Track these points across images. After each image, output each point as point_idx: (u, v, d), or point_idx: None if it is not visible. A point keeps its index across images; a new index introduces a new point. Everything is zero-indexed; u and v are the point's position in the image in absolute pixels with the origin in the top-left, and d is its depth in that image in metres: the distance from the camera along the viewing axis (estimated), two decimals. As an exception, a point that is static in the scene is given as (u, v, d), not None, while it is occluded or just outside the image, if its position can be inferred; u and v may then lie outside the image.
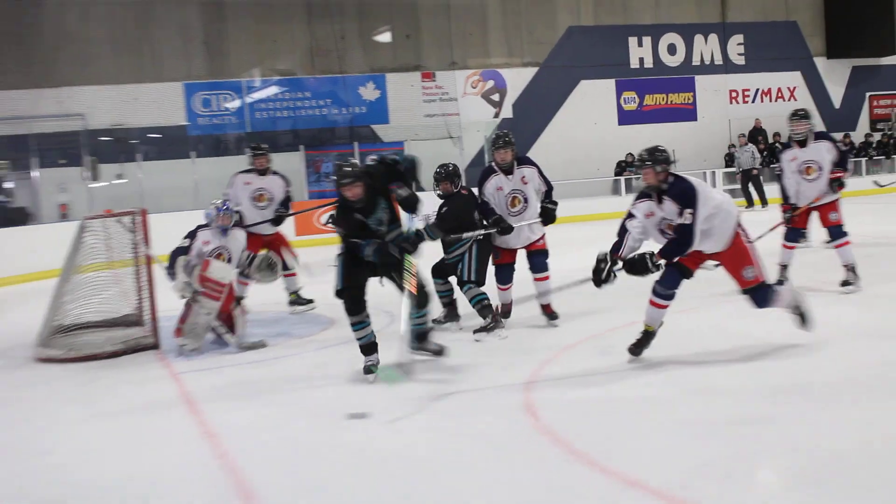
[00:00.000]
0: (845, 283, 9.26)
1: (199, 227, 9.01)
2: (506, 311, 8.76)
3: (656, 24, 26.82)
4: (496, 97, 25.42)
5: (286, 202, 10.60)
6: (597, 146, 25.41)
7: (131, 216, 9.25)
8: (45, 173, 20.83)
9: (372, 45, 24.35)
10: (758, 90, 27.80)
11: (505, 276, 8.81)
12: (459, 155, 23.43)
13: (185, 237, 8.91)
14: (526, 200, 8.62)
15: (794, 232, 9.71)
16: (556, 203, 8.69)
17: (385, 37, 24.39)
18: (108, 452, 5.58)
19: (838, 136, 26.09)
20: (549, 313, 8.64)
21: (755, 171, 23.00)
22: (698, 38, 27.20)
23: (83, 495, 4.79)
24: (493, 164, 8.80)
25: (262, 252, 9.43)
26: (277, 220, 10.50)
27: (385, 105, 24.36)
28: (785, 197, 9.67)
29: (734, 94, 27.66)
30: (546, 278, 8.69)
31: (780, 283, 9.18)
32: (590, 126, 25.81)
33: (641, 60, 26.79)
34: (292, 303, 10.83)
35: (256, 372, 7.69)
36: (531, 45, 25.65)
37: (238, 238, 9.20)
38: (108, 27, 22.37)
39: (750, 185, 22.89)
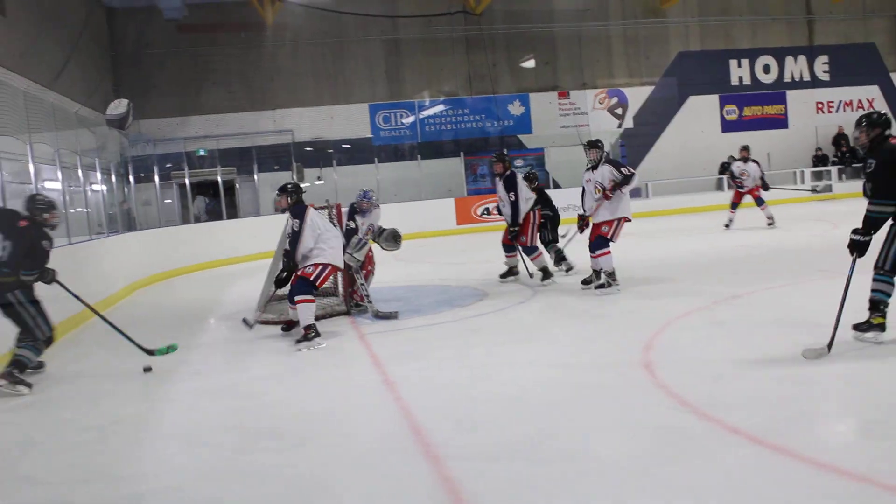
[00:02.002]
0: (599, 286, 8.80)
1: (352, 209, 9.00)
2: None
3: (753, 48, 25.50)
4: (619, 111, 24.71)
5: (513, 205, 9.86)
6: (703, 150, 24.47)
7: (329, 209, 9.30)
8: (263, 177, 21.16)
9: (518, 71, 24.07)
10: (840, 102, 25.99)
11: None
12: (589, 159, 22.93)
13: (348, 219, 8.98)
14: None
15: (602, 240, 8.84)
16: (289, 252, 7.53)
17: (529, 63, 24.09)
18: (312, 393, 5.71)
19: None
20: None
21: None
22: (789, 59, 25.72)
23: (292, 426, 4.87)
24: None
25: (392, 228, 9.27)
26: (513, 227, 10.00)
27: (529, 119, 24.03)
28: (583, 210, 9.06)
29: (820, 106, 25.96)
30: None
31: (587, 282, 9.03)
32: (697, 134, 24.89)
33: (740, 79, 25.50)
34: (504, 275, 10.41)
35: (425, 333, 7.59)
36: (648, 68, 24.87)
37: (377, 215, 9.14)
38: (311, 62, 22.91)
39: None
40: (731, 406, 4.43)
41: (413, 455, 4.09)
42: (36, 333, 6.32)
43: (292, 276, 7.50)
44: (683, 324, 6.85)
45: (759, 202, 15.02)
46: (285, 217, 7.61)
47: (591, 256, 8.88)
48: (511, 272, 10.31)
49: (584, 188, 9.03)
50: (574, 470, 3.75)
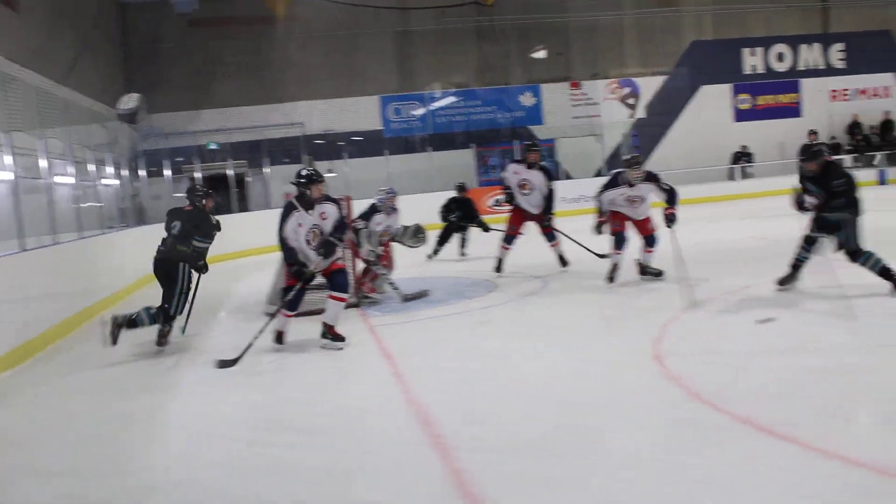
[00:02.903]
0: (658, 273, 8.90)
1: (373, 208, 9.01)
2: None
3: (767, 37, 25.27)
4: (632, 101, 24.68)
5: (549, 197, 9.99)
6: (715, 140, 24.22)
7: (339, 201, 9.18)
8: (274, 170, 21.16)
9: (530, 62, 24.15)
10: (855, 90, 25.64)
11: None
12: (601, 150, 23.00)
13: (360, 217, 8.95)
14: (322, 233, 6.88)
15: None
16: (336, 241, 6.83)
17: (541, 54, 24.16)
18: (323, 386, 5.74)
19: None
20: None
21: None
22: (803, 47, 25.39)
23: (303, 418, 4.95)
24: (293, 200, 6.99)
25: (414, 224, 9.34)
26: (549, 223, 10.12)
27: (540, 110, 24.04)
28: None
29: (834, 94, 25.59)
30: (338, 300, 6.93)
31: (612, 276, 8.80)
32: (709, 123, 24.59)
33: (754, 67, 25.21)
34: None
35: (434, 325, 7.64)
36: (661, 57, 24.75)
37: (396, 218, 9.20)
38: (322, 55, 23.00)
39: None
40: (742, 397, 4.44)
41: (422, 447, 4.12)
42: (173, 303, 7.00)
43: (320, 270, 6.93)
44: (694, 316, 6.82)
45: None
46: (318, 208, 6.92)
47: (649, 252, 8.86)
48: (502, 263, 10.20)
49: (614, 201, 8.74)
50: (585, 464, 3.76)
